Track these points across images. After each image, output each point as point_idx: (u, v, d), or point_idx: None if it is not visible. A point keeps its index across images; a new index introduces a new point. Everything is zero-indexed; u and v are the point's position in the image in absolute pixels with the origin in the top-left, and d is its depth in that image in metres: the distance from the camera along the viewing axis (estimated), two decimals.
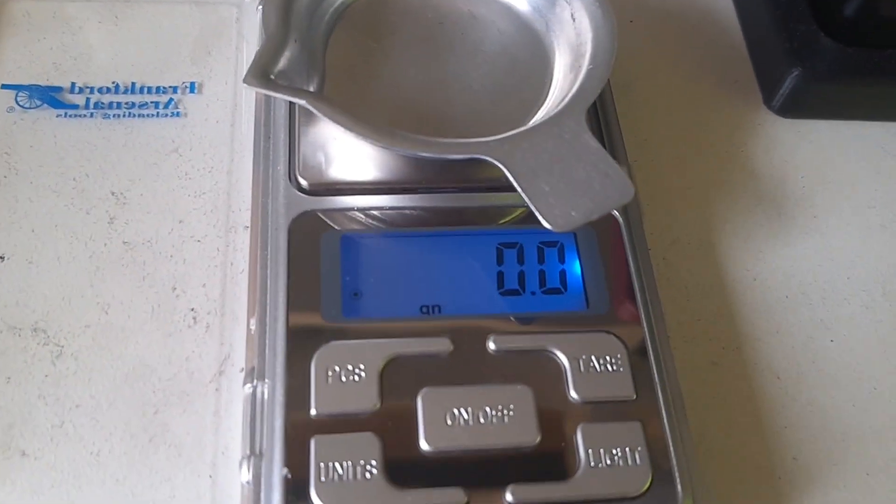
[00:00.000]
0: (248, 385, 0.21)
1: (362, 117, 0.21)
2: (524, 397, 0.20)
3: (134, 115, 0.27)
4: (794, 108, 0.30)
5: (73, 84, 0.28)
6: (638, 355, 0.21)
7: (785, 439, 0.23)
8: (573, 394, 0.21)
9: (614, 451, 0.20)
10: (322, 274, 0.22)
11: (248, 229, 0.25)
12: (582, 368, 0.21)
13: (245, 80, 0.21)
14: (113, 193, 0.26)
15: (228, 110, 0.28)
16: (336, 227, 0.23)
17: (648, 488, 0.20)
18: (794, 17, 0.30)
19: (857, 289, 0.27)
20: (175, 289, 0.24)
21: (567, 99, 0.23)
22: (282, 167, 0.24)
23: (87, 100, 0.27)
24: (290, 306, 0.21)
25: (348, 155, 0.24)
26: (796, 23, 0.30)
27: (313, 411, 0.20)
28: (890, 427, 0.24)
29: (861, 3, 0.31)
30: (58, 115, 0.27)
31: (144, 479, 0.21)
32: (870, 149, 0.30)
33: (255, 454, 0.20)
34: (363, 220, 0.23)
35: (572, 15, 0.25)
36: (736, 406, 0.24)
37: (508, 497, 0.19)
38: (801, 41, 0.30)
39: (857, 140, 0.30)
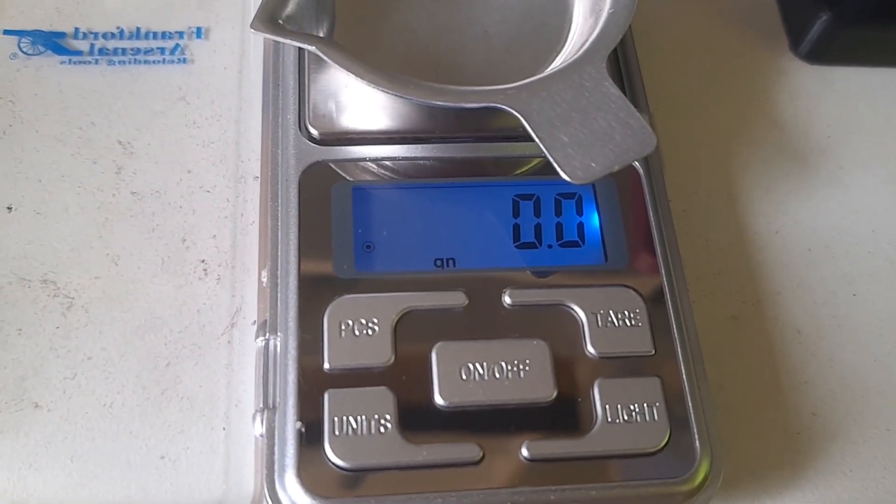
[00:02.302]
0: (261, 338, 0.21)
1: (374, 64, 0.21)
2: (540, 352, 0.20)
3: (139, 62, 0.26)
4: (822, 54, 0.29)
5: (76, 29, 0.27)
6: (657, 310, 0.21)
7: (804, 395, 0.23)
8: (590, 349, 0.20)
9: (632, 407, 0.20)
10: (333, 226, 0.21)
11: (258, 180, 0.24)
12: (599, 323, 0.21)
13: (252, 26, 0.21)
14: (120, 143, 0.25)
15: (236, 56, 0.27)
16: (348, 178, 0.22)
17: (666, 444, 0.20)
18: None
19: (882, 242, 0.26)
20: (185, 240, 0.24)
21: (587, 45, 0.22)
22: (291, 116, 0.23)
23: (92, 46, 0.27)
24: (302, 259, 0.21)
25: (360, 103, 0.23)
26: None
27: (327, 365, 0.20)
28: None
29: None
30: (62, 62, 0.26)
31: (157, 431, 0.21)
32: None
33: (268, 408, 0.20)
34: (375, 171, 0.22)
35: None
36: (755, 361, 0.23)
37: (524, 452, 0.19)
38: None
39: (885, 88, 0.29)
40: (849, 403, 0.23)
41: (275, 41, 0.23)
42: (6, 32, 0.27)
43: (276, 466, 0.19)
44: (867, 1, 0.29)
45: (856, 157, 0.28)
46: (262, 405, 0.20)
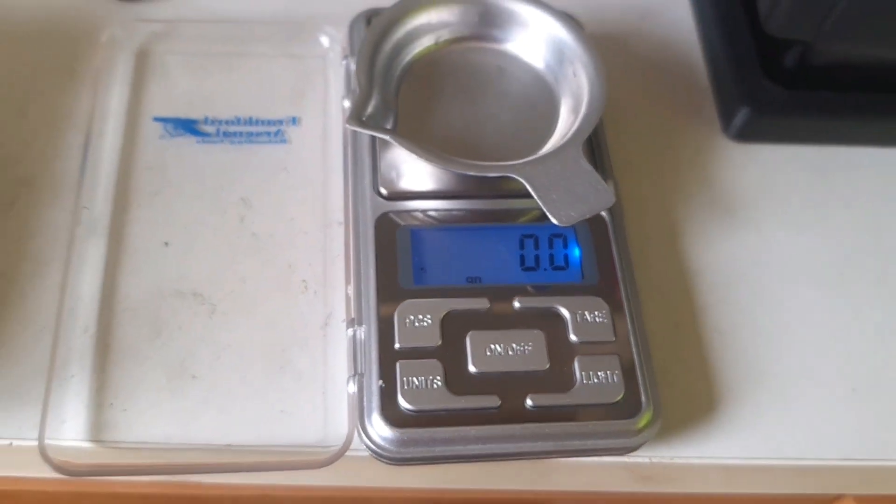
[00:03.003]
0: (350, 329, 0.31)
1: (425, 146, 0.31)
2: (539, 338, 0.30)
3: (252, 142, 0.37)
4: (745, 135, 0.40)
5: (206, 117, 0.38)
6: (617, 312, 0.31)
7: (724, 374, 0.33)
8: (572, 336, 0.30)
9: (600, 374, 0.30)
10: (398, 255, 0.31)
11: (341, 225, 0.35)
12: (578, 320, 0.31)
13: (348, 123, 0.31)
14: (241, 199, 0.35)
15: (320, 138, 0.37)
16: (407, 223, 0.32)
17: (622, 398, 0.29)
18: (746, 66, 0.40)
19: (787, 272, 0.36)
20: (290, 266, 0.34)
21: (569, 134, 0.32)
22: (367, 180, 0.33)
23: (217, 129, 0.37)
24: (378, 277, 0.31)
25: (414, 172, 0.33)
26: (746, 70, 0.40)
27: (397, 345, 0.30)
28: (799, 365, 0.33)
29: (797, 55, 0.40)
30: (196, 141, 0.37)
31: (278, 394, 0.31)
32: (803, 167, 0.39)
33: (358, 374, 0.30)
34: (425, 218, 0.33)
35: (574, 72, 0.34)
36: (688, 351, 0.33)
37: (528, 402, 0.29)
38: (750, 85, 0.39)
39: (793, 160, 0.40)
40: (754, 379, 0.33)
41: (360, 132, 0.34)
42: (156, 119, 0.37)
43: (364, 411, 0.29)
44: (778, 97, 0.39)
45: (768, 210, 0.38)
46: (353, 372, 0.30)
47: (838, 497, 0.38)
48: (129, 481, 0.34)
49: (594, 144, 0.35)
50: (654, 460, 0.32)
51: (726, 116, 0.40)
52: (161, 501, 0.37)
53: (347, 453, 0.30)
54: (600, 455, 0.31)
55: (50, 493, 0.35)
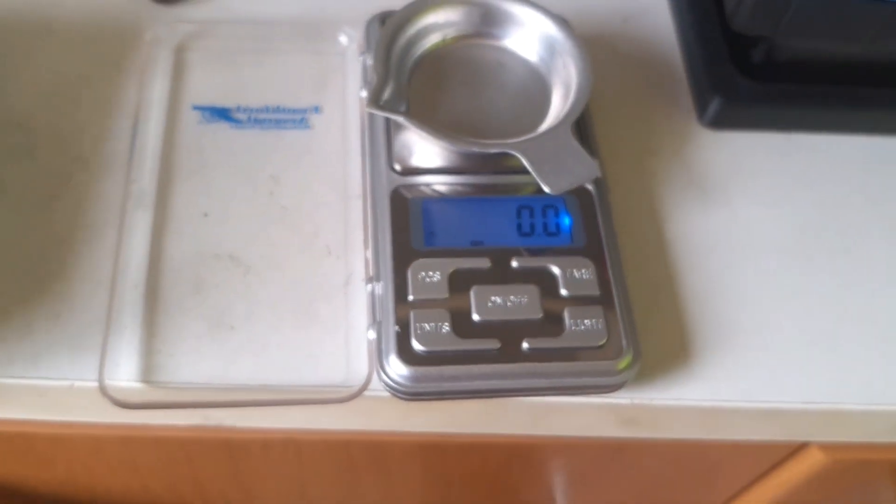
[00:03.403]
0: (370, 285, 0.35)
1: (435, 127, 0.36)
2: (533, 292, 0.34)
3: (280, 127, 0.42)
4: (717, 123, 0.44)
5: (238, 106, 0.42)
6: (601, 270, 0.35)
7: (696, 329, 0.38)
8: (562, 291, 0.35)
9: (586, 322, 0.34)
10: (411, 222, 0.36)
11: (359, 198, 0.39)
12: (568, 276, 0.35)
13: (367, 107, 0.36)
14: (271, 176, 0.40)
15: (340, 124, 0.42)
16: (418, 195, 0.37)
17: (606, 342, 0.34)
18: (718, 61, 0.44)
19: (754, 243, 0.41)
20: (315, 234, 0.38)
21: (561, 117, 0.37)
22: (383, 158, 0.38)
23: (249, 116, 0.42)
24: (394, 240, 0.35)
25: (424, 151, 0.38)
26: (719, 64, 0.44)
27: (410, 297, 0.34)
28: (763, 320, 0.38)
29: (763, 51, 0.44)
30: (230, 127, 0.42)
31: (305, 341, 0.35)
32: (769, 151, 0.44)
33: (376, 321, 0.34)
34: (435, 191, 0.37)
35: (564, 64, 0.39)
36: (665, 308, 0.38)
37: (524, 345, 0.33)
38: (722, 78, 0.44)
39: (761, 145, 0.44)
40: (724, 334, 0.38)
41: (376, 114, 0.38)
42: (194, 107, 0.42)
43: (383, 353, 0.33)
44: (747, 89, 0.44)
45: (738, 189, 0.42)
46: (372, 321, 0.34)
47: (804, 445, 0.43)
48: (170, 425, 0.39)
49: (582, 128, 0.40)
50: (635, 401, 0.36)
51: (701, 106, 0.45)
52: (198, 446, 0.41)
53: (366, 393, 0.34)
54: (587, 393, 0.35)
55: (100, 438, 0.40)
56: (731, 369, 0.37)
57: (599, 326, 0.34)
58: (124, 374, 0.34)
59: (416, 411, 0.37)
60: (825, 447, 0.43)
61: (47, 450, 0.44)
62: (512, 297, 0.34)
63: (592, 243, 0.36)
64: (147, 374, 0.35)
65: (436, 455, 0.45)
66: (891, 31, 0.38)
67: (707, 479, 0.51)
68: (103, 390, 0.34)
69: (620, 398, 0.36)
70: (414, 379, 0.33)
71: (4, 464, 0.45)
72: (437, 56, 0.40)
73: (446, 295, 0.34)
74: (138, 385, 0.34)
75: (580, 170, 0.35)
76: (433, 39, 0.40)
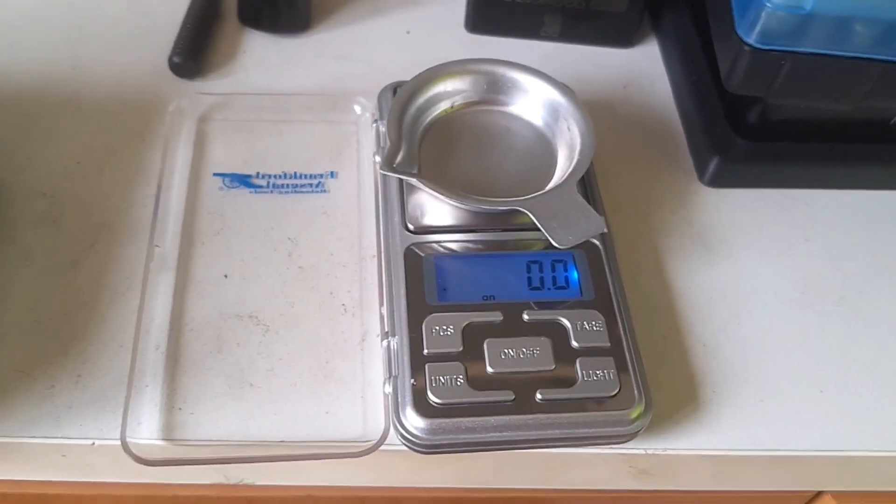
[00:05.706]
0: (385, 341, 0.36)
1: (446, 187, 0.37)
2: (545, 344, 0.35)
3: (297, 192, 0.43)
4: (717, 181, 0.46)
5: (257, 172, 0.44)
6: (611, 322, 0.36)
7: (707, 380, 0.38)
8: (574, 343, 0.36)
9: (598, 372, 0.35)
10: (424, 278, 0.37)
11: (374, 258, 0.41)
12: (578, 329, 0.36)
13: (381, 169, 0.37)
14: (289, 238, 0.42)
15: (354, 188, 0.44)
16: (431, 252, 0.38)
17: (618, 392, 0.34)
18: (715, 122, 0.46)
19: (758, 294, 0.42)
20: (332, 293, 0.40)
21: (566, 176, 0.39)
22: (397, 218, 0.39)
23: (268, 182, 0.44)
24: (408, 296, 0.37)
25: (436, 210, 0.40)
26: (716, 126, 0.46)
27: (425, 351, 0.35)
28: (772, 370, 0.39)
29: (758, 112, 0.46)
30: (250, 192, 0.43)
31: (323, 398, 0.36)
32: (768, 207, 0.46)
33: (392, 376, 0.35)
34: (447, 249, 0.39)
35: (568, 126, 0.41)
36: (675, 359, 0.39)
37: (538, 396, 0.34)
38: (719, 138, 0.46)
39: (760, 201, 0.46)
40: (734, 383, 0.38)
41: (391, 177, 0.40)
42: (215, 174, 0.44)
43: (399, 406, 0.34)
44: (744, 149, 0.46)
45: (740, 243, 0.44)
46: (388, 375, 0.35)
47: (819, 494, 0.43)
48: (189, 484, 0.39)
49: (587, 186, 0.42)
50: (649, 452, 0.37)
51: (701, 165, 0.47)
52: (217, 503, 0.41)
53: (382, 447, 0.35)
54: (601, 443, 0.36)
55: (120, 497, 0.40)
56: (741, 418, 0.37)
57: (611, 376, 0.35)
58: (146, 432, 0.35)
59: (432, 465, 0.37)
60: (839, 496, 0.43)
61: None
62: (524, 350, 0.35)
63: (601, 296, 0.37)
64: (168, 431, 0.35)
65: None
66: (881, 89, 0.40)
67: None
68: (125, 447, 0.34)
69: (634, 448, 0.36)
70: (430, 431, 0.33)
71: None
72: (447, 121, 0.42)
73: (460, 348, 0.35)
74: (159, 442, 0.35)
75: (587, 225, 0.36)
76: (442, 106, 0.42)
